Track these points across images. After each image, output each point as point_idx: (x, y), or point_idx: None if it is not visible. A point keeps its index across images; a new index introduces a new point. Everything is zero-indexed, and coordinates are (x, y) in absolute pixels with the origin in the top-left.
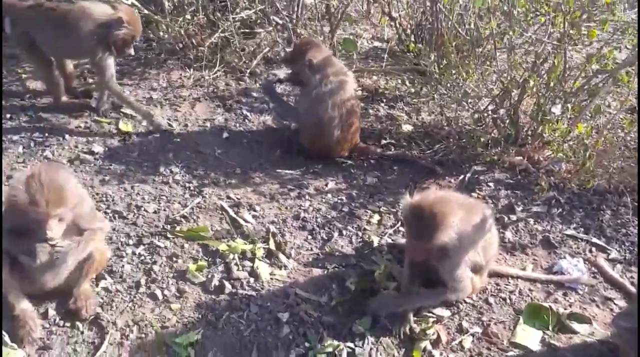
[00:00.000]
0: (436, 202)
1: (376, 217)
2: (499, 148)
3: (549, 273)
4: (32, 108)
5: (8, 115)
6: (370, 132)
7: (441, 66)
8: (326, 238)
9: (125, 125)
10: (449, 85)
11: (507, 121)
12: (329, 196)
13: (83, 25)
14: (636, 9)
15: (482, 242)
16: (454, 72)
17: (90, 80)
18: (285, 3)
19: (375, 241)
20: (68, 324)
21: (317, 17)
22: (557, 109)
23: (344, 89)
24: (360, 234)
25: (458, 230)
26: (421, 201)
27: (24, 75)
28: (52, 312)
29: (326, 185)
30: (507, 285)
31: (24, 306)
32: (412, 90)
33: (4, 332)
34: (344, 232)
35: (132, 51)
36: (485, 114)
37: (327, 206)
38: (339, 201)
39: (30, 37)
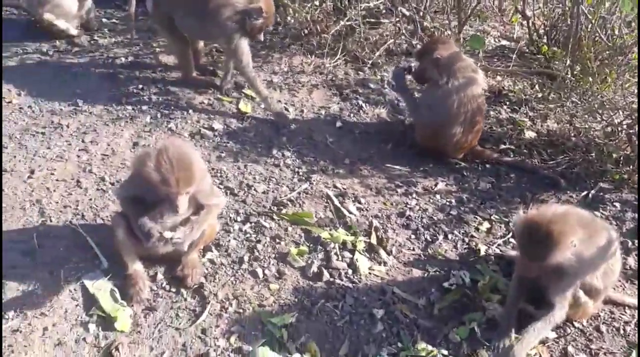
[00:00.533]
0: (554, 219)
1: (486, 224)
2: (631, 166)
3: None
4: (162, 81)
5: (140, 86)
6: (489, 134)
7: (575, 72)
8: (430, 240)
9: (245, 106)
10: (582, 93)
11: None
12: (438, 196)
13: (224, 11)
14: None
15: (603, 266)
16: (590, 79)
17: (217, 59)
18: None
19: (483, 249)
20: (173, 290)
21: (446, 11)
22: None
23: (471, 89)
24: (466, 240)
25: (577, 251)
26: (538, 217)
27: (157, 49)
28: (160, 276)
29: (435, 185)
30: (622, 315)
31: (137, 267)
32: (540, 95)
33: (114, 288)
34: (450, 236)
35: (262, 37)
36: (620, 129)
37: (434, 207)
38: (448, 203)
39: (170, 17)
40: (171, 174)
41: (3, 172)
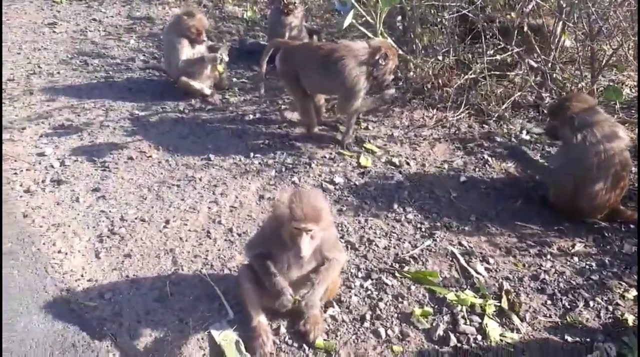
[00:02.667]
0: None
1: (632, 292)
2: None
3: None
4: (286, 136)
5: (266, 141)
6: (631, 192)
7: None
8: (568, 307)
9: (366, 160)
10: None
11: None
12: (575, 259)
13: (347, 63)
14: None
15: None
16: None
17: (339, 115)
18: (542, 45)
19: (630, 319)
20: (296, 345)
21: (578, 61)
22: None
23: (612, 144)
24: (610, 308)
25: None
26: None
27: (282, 106)
28: (283, 330)
29: (572, 246)
30: None
31: (261, 319)
32: None
33: (239, 340)
34: (591, 303)
35: (390, 80)
36: None
37: (572, 270)
38: (587, 267)
39: (296, 72)
40: (300, 210)
41: (142, 222)
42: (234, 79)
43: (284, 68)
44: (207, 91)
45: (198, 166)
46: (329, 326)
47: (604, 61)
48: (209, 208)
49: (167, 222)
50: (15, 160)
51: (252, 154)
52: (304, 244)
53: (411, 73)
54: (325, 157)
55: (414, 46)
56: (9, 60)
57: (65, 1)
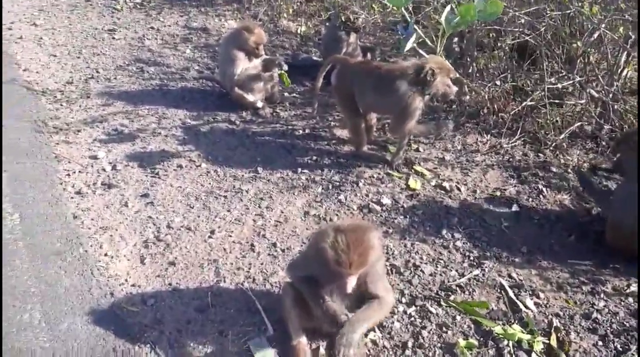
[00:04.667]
0: None
1: None
2: None
3: None
4: (334, 153)
5: (314, 157)
6: None
7: None
8: (621, 349)
9: (415, 183)
10: None
11: None
12: (630, 299)
13: (400, 82)
14: None
15: None
16: None
17: (389, 135)
18: (604, 73)
19: None
20: None
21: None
22: None
23: None
24: None
25: None
26: None
27: (332, 123)
28: (322, 351)
29: (628, 286)
30: None
31: (301, 339)
32: None
33: None
34: None
35: (453, 91)
36: None
37: (627, 312)
38: None
39: (351, 90)
40: (346, 256)
41: (187, 230)
42: (285, 94)
43: (340, 85)
44: (259, 104)
45: (245, 178)
46: (369, 351)
47: None
48: (254, 221)
49: (212, 232)
50: (69, 162)
51: (299, 169)
52: (349, 284)
53: (466, 97)
54: (373, 177)
55: (470, 69)
56: (69, 64)
57: (126, 8)
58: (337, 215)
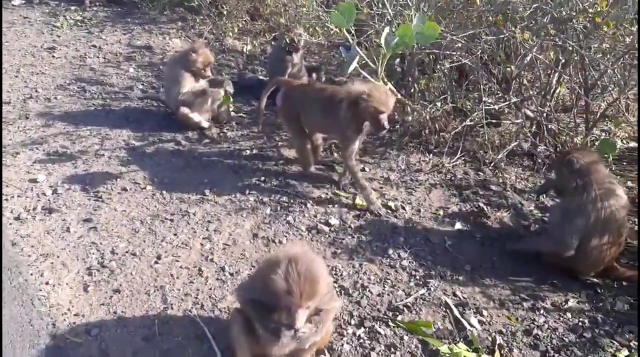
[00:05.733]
0: None
1: (624, 352)
2: None
3: None
4: (282, 174)
5: (262, 178)
6: (625, 248)
7: None
8: None
9: (362, 202)
10: None
11: None
12: (568, 315)
13: (341, 105)
14: None
15: None
16: None
17: (336, 155)
18: (537, 93)
19: None
20: None
21: (573, 113)
22: None
23: (611, 202)
24: None
25: None
26: None
27: (279, 143)
28: None
29: (566, 301)
30: None
31: None
32: None
33: None
34: None
35: (385, 124)
36: None
37: (565, 327)
38: (580, 324)
39: (296, 111)
40: (297, 286)
41: (132, 256)
42: (232, 113)
43: (285, 106)
44: (205, 124)
45: (192, 201)
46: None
47: (599, 114)
48: (202, 245)
49: (159, 257)
50: (7, 186)
51: (247, 191)
52: (299, 317)
53: (409, 117)
54: (321, 197)
55: (412, 90)
56: (7, 83)
57: (66, 26)
58: (285, 237)
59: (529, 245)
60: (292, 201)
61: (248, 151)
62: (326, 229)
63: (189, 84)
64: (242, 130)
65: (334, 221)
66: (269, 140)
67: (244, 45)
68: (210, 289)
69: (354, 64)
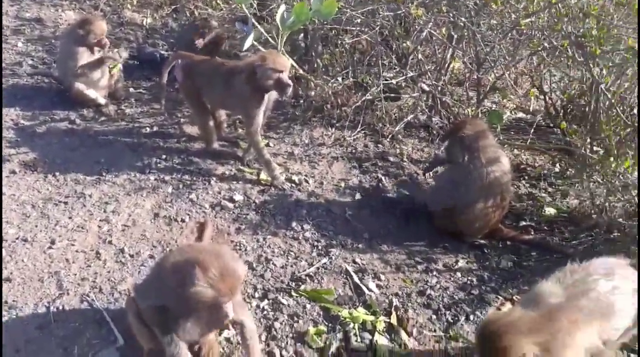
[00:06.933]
0: (504, 329)
1: (508, 305)
2: None
3: None
4: (185, 151)
5: (163, 156)
6: (508, 211)
7: (595, 150)
8: (451, 321)
9: (266, 177)
10: (604, 172)
11: None
12: (458, 274)
13: (240, 81)
14: None
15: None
16: (611, 158)
17: (240, 131)
18: (432, 68)
19: None
20: None
21: (465, 86)
22: None
23: (496, 169)
24: None
25: None
26: (491, 324)
27: (181, 120)
28: None
29: (456, 262)
30: None
31: (153, 346)
32: (558, 170)
33: None
34: (472, 317)
35: (288, 82)
36: None
37: (455, 286)
38: (469, 282)
39: (197, 87)
40: (223, 285)
41: (24, 242)
42: (131, 89)
43: (185, 82)
44: (102, 101)
45: (88, 182)
46: (224, 349)
47: (488, 87)
48: (99, 227)
49: (53, 242)
50: None
51: (147, 170)
52: (229, 310)
53: (311, 92)
54: (225, 173)
55: (315, 65)
56: None
57: None
58: (188, 214)
59: (414, 197)
60: (195, 178)
61: (148, 129)
62: (230, 205)
63: (84, 59)
64: (142, 107)
65: (238, 197)
66: (170, 117)
67: (144, 18)
68: (109, 272)
69: (251, 40)
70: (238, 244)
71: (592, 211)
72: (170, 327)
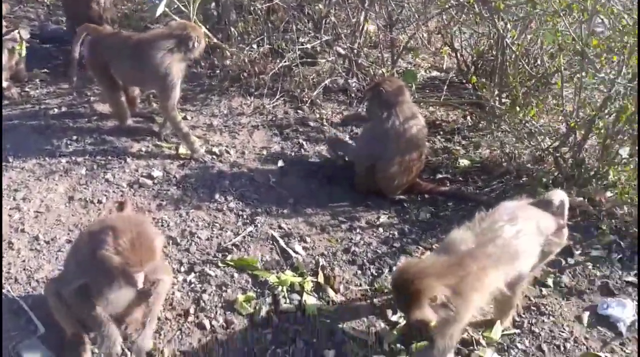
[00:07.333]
0: (417, 274)
1: (427, 253)
2: (560, 188)
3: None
4: (97, 130)
5: (74, 137)
6: (425, 165)
7: (503, 101)
8: (376, 274)
9: (185, 151)
10: (511, 121)
11: (570, 161)
12: (381, 230)
13: (158, 52)
14: None
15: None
16: (517, 108)
17: (155, 105)
18: (347, 31)
19: None
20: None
21: (380, 47)
22: (624, 151)
23: (411, 126)
24: None
25: (448, 302)
26: (401, 273)
27: (92, 98)
28: None
29: (378, 218)
30: (561, 332)
31: (76, 331)
32: (471, 123)
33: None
34: (394, 268)
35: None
36: (547, 153)
37: (378, 240)
38: (391, 236)
39: (105, 62)
40: (134, 255)
41: None
42: (35, 70)
43: (93, 57)
44: (3, 84)
45: None
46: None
47: (402, 47)
48: (10, 216)
49: None
50: None
51: (58, 153)
52: (139, 279)
53: (227, 61)
54: (141, 150)
55: (229, 34)
56: None
57: None
58: (105, 195)
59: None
60: (109, 157)
61: (56, 110)
62: (149, 182)
63: None
64: (47, 87)
65: (157, 173)
66: (79, 95)
67: None
68: (24, 261)
69: (162, 8)
70: (160, 220)
71: (503, 160)
72: (93, 303)
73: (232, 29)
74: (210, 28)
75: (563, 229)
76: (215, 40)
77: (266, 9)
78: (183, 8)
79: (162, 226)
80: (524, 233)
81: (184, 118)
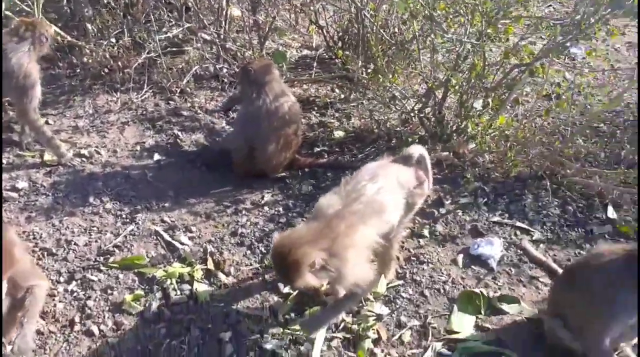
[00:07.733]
0: (291, 245)
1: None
2: (426, 146)
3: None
4: None
5: None
6: (303, 141)
7: (369, 71)
8: (265, 251)
9: (51, 157)
10: (376, 89)
11: (433, 119)
12: (266, 208)
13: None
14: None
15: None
16: (380, 76)
17: (11, 113)
18: (212, 18)
19: None
20: None
21: (246, 30)
22: (478, 104)
23: (284, 104)
24: None
25: (326, 265)
26: (278, 247)
27: None
28: None
29: (262, 198)
30: (440, 276)
31: None
32: (342, 96)
33: None
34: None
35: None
36: (412, 114)
37: (265, 219)
38: (276, 213)
39: None
40: None
41: None
42: None
43: None
44: None
45: None
46: (35, 342)
47: (267, 28)
48: None
49: None
50: None
51: None
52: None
53: (86, 59)
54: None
55: (85, 30)
56: None
57: None
58: None
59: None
60: None
61: None
62: (14, 195)
63: None
64: None
65: (23, 184)
66: None
67: None
68: None
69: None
70: (31, 232)
71: (374, 126)
72: None
73: (88, 25)
74: (63, 26)
75: (424, 180)
76: (69, 38)
77: (124, 2)
78: (27, 8)
79: (33, 238)
80: (385, 189)
81: (46, 123)
